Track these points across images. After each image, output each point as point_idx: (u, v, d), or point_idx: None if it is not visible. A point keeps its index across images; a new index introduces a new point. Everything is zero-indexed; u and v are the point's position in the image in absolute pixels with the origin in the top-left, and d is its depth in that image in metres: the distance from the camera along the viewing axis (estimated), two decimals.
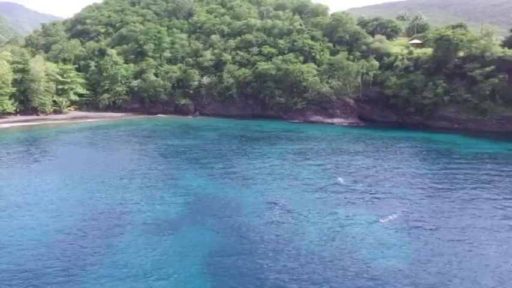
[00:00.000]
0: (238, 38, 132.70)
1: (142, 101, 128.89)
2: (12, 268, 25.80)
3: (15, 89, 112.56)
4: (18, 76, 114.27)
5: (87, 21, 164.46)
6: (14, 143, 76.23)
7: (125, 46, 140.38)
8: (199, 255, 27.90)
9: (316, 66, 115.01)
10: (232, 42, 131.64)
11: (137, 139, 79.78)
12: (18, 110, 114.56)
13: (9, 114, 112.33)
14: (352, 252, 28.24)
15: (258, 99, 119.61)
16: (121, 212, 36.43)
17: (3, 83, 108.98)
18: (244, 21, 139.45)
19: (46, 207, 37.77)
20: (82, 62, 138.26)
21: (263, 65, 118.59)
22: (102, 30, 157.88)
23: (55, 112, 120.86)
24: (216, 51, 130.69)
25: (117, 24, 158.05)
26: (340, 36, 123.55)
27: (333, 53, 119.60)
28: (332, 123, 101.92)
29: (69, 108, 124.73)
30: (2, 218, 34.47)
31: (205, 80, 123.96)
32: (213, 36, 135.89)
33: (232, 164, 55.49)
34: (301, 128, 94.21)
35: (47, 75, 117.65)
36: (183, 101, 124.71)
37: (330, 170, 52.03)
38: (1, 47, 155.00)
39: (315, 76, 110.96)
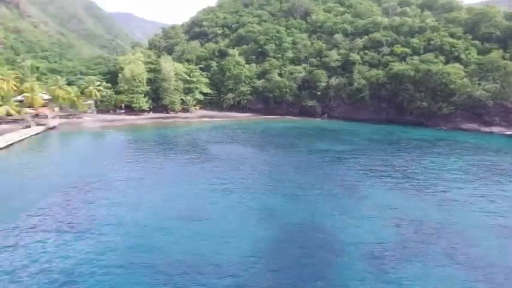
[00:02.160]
0: (365, 37, 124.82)
1: (266, 102, 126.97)
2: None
3: (149, 87, 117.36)
4: (151, 76, 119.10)
5: (204, 23, 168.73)
6: (158, 138, 77.12)
7: (244, 46, 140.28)
8: None
9: (462, 67, 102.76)
10: (359, 42, 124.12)
11: (280, 140, 75.89)
12: (151, 108, 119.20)
13: (143, 111, 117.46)
14: None
15: (393, 103, 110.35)
16: (325, 230, 31.04)
17: (139, 81, 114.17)
18: (369, 19, 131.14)
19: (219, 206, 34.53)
20: (203, 63, 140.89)
21: (398, 66, 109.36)
22: (219, 32, 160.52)
23: (183, 110, 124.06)
24: (341, 51, 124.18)
25: (233, 26, 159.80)
26: (487, 32, 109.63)
27: (482, 51, 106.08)
28: (491, 132, 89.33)
29: (194, 107, 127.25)
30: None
31: (334, 81, 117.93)
32: (336, 36, 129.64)
33: (420, 179, 47.35)
34: (456, 137, 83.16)
35: (176, 74, 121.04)
36: (310, 103, 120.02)
37: None
38: (133, 49, 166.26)
39: (463, 78, 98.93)
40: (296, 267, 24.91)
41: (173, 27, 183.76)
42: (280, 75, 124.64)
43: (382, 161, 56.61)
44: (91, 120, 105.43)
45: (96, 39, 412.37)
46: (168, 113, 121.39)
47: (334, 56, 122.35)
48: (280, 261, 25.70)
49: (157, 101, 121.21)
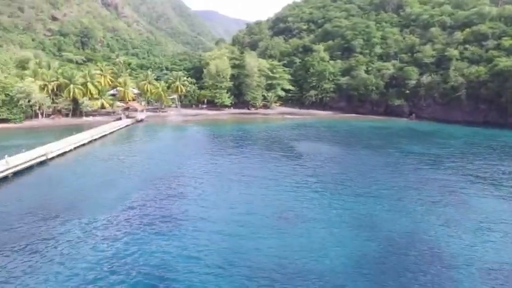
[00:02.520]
0: (467, 29, 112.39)
1: (349, 100, 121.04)
2: None
3: (232, 83, 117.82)
4: (235, 71, 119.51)
5: (289, 19, 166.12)
6: (242, 133, 75.99)
7: (330, 42, 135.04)
8: None
9: None
10: (459, 35, 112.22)
11: (368, 140, 70.51)
12: (232, 103, 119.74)
13: (225, 106, 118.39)
14: None
15: (494, 104, 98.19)
16: (433, 243, 26.54)
17: (223, 77, 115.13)
18: (474, 9, 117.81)
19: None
20: (286, 59, 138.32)
21: (505, 62, 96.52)
22: (304, 27, 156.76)
23: (263, 107, 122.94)
24: (437, 46, 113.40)
25: (319, 21, 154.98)
26: None
27: None
28: None
29: (275, 103, 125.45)
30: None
31: (425, 78, 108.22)
32: (432, 29, 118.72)
33: None
34: None
35: (259, 70, 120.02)
36: (397, 102, 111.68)
37: None
38: (216, 45, 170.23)
39: None
40: (410, 285, 21.39)
41: (257, 23, 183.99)
42: (366, 72, 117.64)
43: (487, 167, 49.60)
44: (175, 114, 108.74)
45: (181, 36, 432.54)
46: (249, 109, 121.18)
47: (428, 51, 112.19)
48: (389, 277, 22.26)
49: (239, 97, 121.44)
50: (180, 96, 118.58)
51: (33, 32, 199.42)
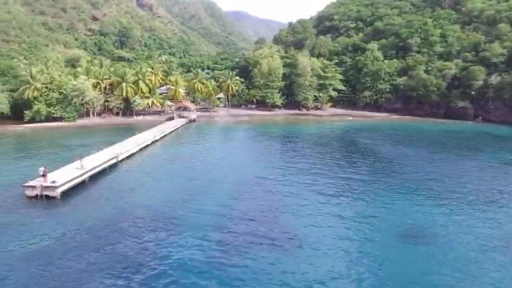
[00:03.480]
0: None
1: (406, 101, 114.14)
2: None
3: (284, 83, 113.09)
4: (286, 70, 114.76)
5: (335, 17, 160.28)
6: (304, 135, 71.05)
7: (383, 41, 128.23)
8: None
9: None
10: None
11: (448, 145, 64.13)
12: (283, 104, 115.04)
13: (275, 107, 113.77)
14: None
15: None
16: None
17: (275, 76, 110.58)
18: None
19: None
20: (335, 58, 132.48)
21: None
22: (352, 26, 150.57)
23: (314, 107, 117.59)
24: (507, 43, 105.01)
25: (368, 19, 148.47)
26: None
27: None
28: None
29: (326, 104, 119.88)
30: None
31: (494, 79, 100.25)
32: (500, 26, 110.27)
33: None
34: None
35: (312, 70, 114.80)
36: (460, 104, 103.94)
37: None
38: (255, 45, 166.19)
39: None
40: None
41: (300, 22, 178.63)
42: (426, 72, 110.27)
43: None
44: (225, 114, 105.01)
45: (212, 36, 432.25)
46: (299, 109, 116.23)
47: (496, 49, 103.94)
48: None
49: (289, 97, 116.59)
50: (227, 96, 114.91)
51: (76, 31, 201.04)
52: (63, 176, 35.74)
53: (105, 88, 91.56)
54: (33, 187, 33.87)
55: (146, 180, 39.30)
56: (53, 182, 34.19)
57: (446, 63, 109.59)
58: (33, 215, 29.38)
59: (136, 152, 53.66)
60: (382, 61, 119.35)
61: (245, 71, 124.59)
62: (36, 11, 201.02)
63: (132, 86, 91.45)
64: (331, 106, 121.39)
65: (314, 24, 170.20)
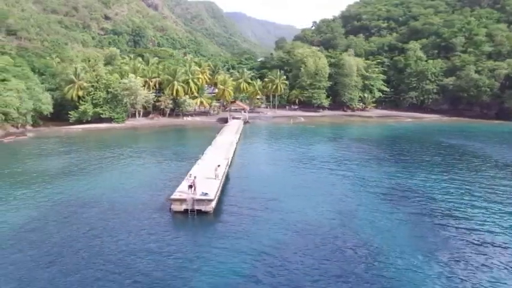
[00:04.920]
0: None
1: (454, 102, 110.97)
2: None
3: (330, 83, 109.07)
4: (331, 70, 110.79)
5: (364, 17, 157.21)
6: (365, 137, 67.00)
7: (423, 40, 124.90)
8: None
9: None
10: None
11: None
12: (330, 104, 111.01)
13: (319, 107, 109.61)
14: None
15: None
16: None
17: (322, 76, 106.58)
18: None
19: None
20: (370, 58, 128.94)
21: None
22: (384, 25, 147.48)
23: (360, 108, 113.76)
24: None
25: (400, 18, 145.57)
26: None
27: None
28: None
29: (371, 105, 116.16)
30: None
31: None
32: None
33: None
34: None
35: (357, 70, 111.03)
36: None
37: None
38: (276, 44, 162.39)
39: None
40: None
41: (324, 21, 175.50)
42: (477, 72, 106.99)
43: None
44: (272, 115, 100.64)
45: (215, 37, 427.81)
46: (344, 110, 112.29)
47: None
48: None
49: (334, 98, 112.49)
50: (268, 96, 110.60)
51: (91, 30, 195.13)
52: (208, 187, 30.78)
53: (154, 87, 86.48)
54: (183, 200, 29.01)
55: (277, 187, 34.43)
56: (205, 194, 29.32)
57: (498, 63, 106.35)
58: (197, 240, 23.57)
59: (233, 156, 48.94)
60: (426, 61, 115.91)
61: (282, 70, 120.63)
62: (48, 10, 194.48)
63: (183, 85, 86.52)
64: (374, 107, 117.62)
65: (340, 23, 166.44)
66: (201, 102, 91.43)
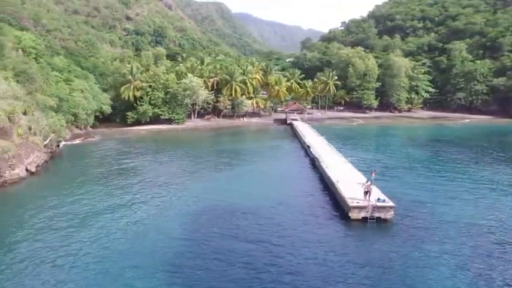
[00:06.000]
0: None
1: (504, 103, 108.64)
2: None
3: (380, 84, 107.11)
4: (379, 71, 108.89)
5: (397, 17, 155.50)
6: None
7: (467, 40, 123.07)
8: None
9: None
10: None
11: None
12: (378, 105, 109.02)
13: (366, 108, 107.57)
14: None
15: None
16: None
17: (371, 77, 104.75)
18: None
19: None
20: (409, 58, 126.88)
21: None
22: (420, 25, 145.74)
23: (406, 109, 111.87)
24: None
25: (436, 18, 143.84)
26: None
27: None
28: None
29: (417, 106, 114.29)
30: None
31: None
32: None
33: None
34: None
35: (405, 71, 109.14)
36: None
37: None
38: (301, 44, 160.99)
39: None
40: None
41: (353, 22, 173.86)
42: None
43: None
44: (323, 116, 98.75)
45: (226, 38, 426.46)
46: (391, 111, 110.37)
47: None
48: None
49: (381, 99, 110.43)
50: (314, 97, 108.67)
51: (116, 30, 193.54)
52: (377, 193, 28.88)
53: (211, 87, 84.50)
54: (362, 208, 27.17)
55: (426, 191, 32.61)
56: (383, 200, 27.46)
57: None
58: (390, 249, 21.64)
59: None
60: (473, 61, 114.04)
61: (320, 71, 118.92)
62: (70, 10, 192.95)
63: (241, 85, 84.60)
64: (420, 108, 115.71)
65: (372, 24, 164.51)
66: (256, 103, 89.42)
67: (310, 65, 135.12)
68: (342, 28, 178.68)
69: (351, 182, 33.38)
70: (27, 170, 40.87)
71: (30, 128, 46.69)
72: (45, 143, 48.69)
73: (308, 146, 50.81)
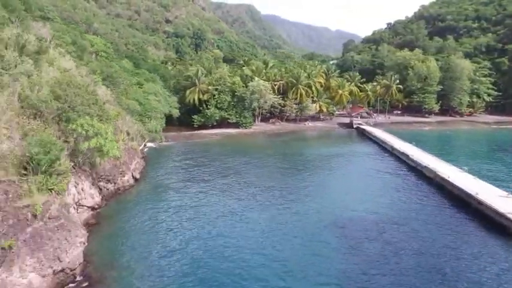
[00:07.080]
0: None
1: None
2: None
3: (441, 87, 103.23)
4: (440, 74, 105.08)
5: (448, 17, 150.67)
6: None
7: None
8: None
9: None
10: None
11: None
12: (439, 109, 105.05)
13: (426, 112, 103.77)
14: None
15: None
16: None
17: (433, 80, 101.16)
18: None
19: None
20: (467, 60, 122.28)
21: None
22: (475, 25, 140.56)
23: (467, 113, 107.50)
24: None
25: (493, 18, 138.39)
26: None
27: None
28: None
29: (479, 110, 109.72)
30: None
31: None
32: None
33: None
34: None
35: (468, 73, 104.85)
36: None
37: None
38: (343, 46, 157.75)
39: None
40: None
41: (399, 23, 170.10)
42: None
43: None
44: (385, 120, 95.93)
45: (257, 40, 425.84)
46: (452, 115, 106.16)
47: None
48: None
49: (442, 102, 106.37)
50: (368, 102, 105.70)
51: (159, 33, 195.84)
52: None
53: (278, 90, 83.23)
54: None
55: None
56: None
57: None
58: None
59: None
60: None
61: (371, 73, 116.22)
62: (112, 14, 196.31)
63: (306, 88, 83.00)
64: (481, 112, 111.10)
65: (422, 25, 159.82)
66: (320, 107, 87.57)
67: (360, 67, 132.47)
68: (388, 29, 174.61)
69: (490, 195, 31.53)
70: (133, 176, 40.56)
71: (128, 133, 46.48)
72: (141, 147, 48.50)
73: (406, 154, 48.73)
